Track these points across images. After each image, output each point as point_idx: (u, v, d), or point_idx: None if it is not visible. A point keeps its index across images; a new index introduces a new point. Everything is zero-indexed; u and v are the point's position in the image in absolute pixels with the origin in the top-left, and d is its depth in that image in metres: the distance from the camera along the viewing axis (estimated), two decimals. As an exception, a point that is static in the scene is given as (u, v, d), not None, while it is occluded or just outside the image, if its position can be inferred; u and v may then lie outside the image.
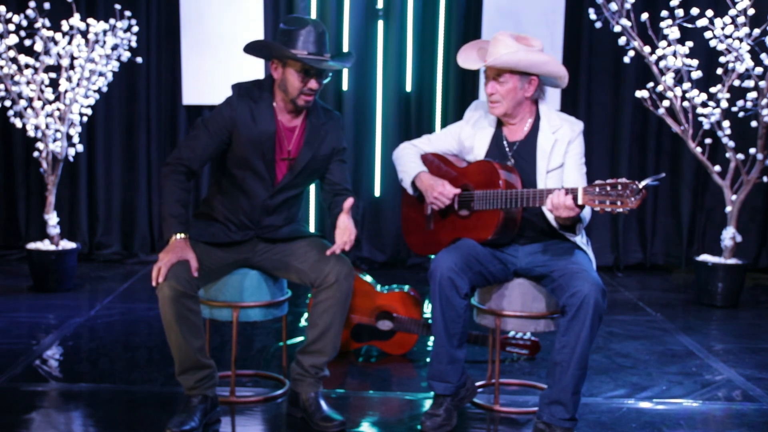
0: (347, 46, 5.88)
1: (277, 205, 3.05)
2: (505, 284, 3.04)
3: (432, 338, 3.22)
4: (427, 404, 3.18)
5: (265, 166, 2.98)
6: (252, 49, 2.98)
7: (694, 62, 4.82)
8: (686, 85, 4.85)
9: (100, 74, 5.16)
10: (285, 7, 5.89)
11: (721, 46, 4.82)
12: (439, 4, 5.92)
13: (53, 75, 5.02)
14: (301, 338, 4.07)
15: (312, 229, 5.67)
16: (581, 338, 2.72)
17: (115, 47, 5.16)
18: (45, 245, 5.13)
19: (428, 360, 3.17)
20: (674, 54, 4.84)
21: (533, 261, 2.98)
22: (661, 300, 5.20)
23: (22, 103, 4.96)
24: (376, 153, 6.03)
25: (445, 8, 5.92)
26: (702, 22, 4.76)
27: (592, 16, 5.08)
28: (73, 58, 5.04)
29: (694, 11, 4.71)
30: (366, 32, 5.94)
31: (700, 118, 4.94)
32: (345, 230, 2.90)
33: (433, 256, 2.95)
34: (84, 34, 5.03)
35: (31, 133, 5.04)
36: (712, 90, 4.87)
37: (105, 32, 5.08)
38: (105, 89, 5.29)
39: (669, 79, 4.88)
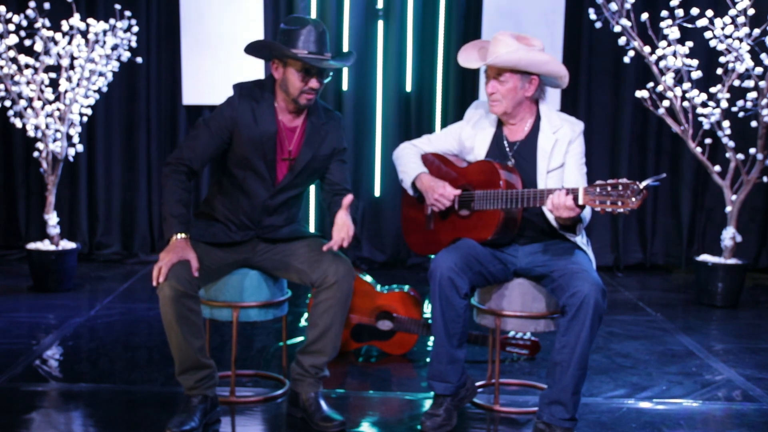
0: (347, 46, 5.88)
1: (278, 205, 3.05)
2: (505, 284, 3.04)
3: (432, 338, 3.22)
4: (427, 404, 3.18)
5: (265, 166, 2.98)
6: (253, 49, 2.98)
7: (694, 62, 4.83)
8: (686, 85, 4.85)
9: (100, 74, 5.16)
10: (285, 7, 5.89)
11: (721, 46, 4.82)
12: (439, 4, 5.92)
13: (53, 75, 5.02)
14: (301, 338, 4.07)
15: (312, 229, 5.67)
16: (581, 338, 2.72)
17: (115, 47, 5.16)
18: (45, 245, 5.13)
19: (428, 360, 3.17)
20: (674, 54, 4.84)
21: (533, 261, 2.98)
22: (661, 300, 5.20)
23: (22, 103, 4.97)
24: (376, 153, 6.03)
25: (445, 8, 5.92)
26: (702, 22, 4.76)
27: (592, 16, 5.09)
28: (73, 58, 5.04)
29: (694, 11, 4.71)
30: (366, 32, 5.94)
31: (700, 118, 4.94)
32: (343, 227, 2.89)
33: (433, 256, 2.95)
34: (84, 34, 5.03)
35: (31, 133, 5.04)
36: (712, 90, 4.87)
37: (105, 32, 5.08)
38: (105, 89, 5.30)
39: (669, 79, 4.89)
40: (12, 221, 6.11)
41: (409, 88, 6.00)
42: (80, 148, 5.26)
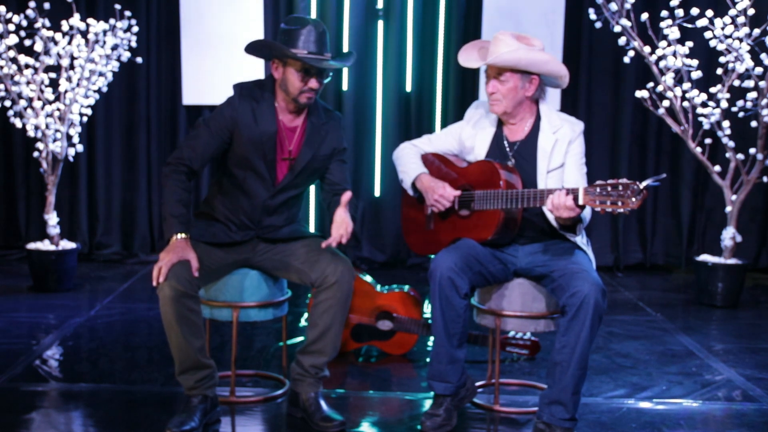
0: (347, 46, 5.88)
1: (278, 205, 3.05)
2: (505, 284, 3.04)
3: (432, 338, 3.22)
4: (427, 404, 3.18)
5: (265, 166, 2.98)
6: (253, 48, 2.98)
7: (694, 62, 4.83)
8: (686, 85, 4.85)
9: (100, 74, 5.16)
10: (285, 7, 5.89)
11: (721, 46, 4.82)
12: (439, 4, 5.92)
13: (53, 75, 5.02)
14: (301, 338, 4.07)
15: (312, 229, 5.67)
16: (581, 338, 2.72)
17: (115, 47, 5.16)
18: (45, 245, 5.13)
19: (428, 360, 3.17)
20: (674, 54, 4.84)
21: (533, 261, 2.98)
22: (661, 300, 5.20)
23: (22, 103, 4.97)
24: (376, 153, 6.03)
25: (445, 8, 5.92)
26: (702, 22, 4.76)
27: (592, 16, 5.09)
28: (73, 58, 5.04)
29: (694, 11, 4.71)
30: (366, 32, 5.94)
31: (700, 118, 4.94)
32: (341, 223, 2.88)
33: (433, 256, 2.95)
34: (84, 34, 5.03)
35: (31, 133, 5.04)
36: (712, 90, 4.87)
37: (105, 32, 5.08)
38: (105, 89, 5.30)
39: (669, 79, 4.89)
40: (12, 221, 6.11)
41: (409, 88, 6.00)
42: (80, 148, 5.26)
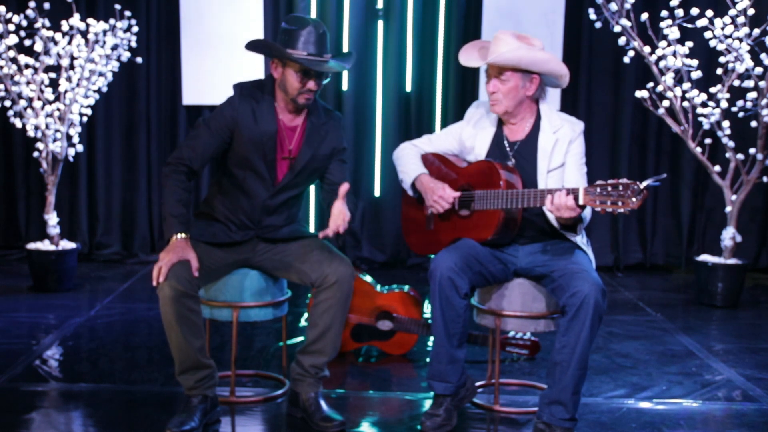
0: (347, 46, 5.88)
1: (278, 205, 3.05)
2: (505, 284, 3.04)
3: (432, 338, 3.22)
4: (427, 404, 3.18)
5: (265, 166, 2.98)
6: (253, 46, 2.99)
7: (694, 62, 4.83)
8: (686, 85, 4.85)
9: (100, 74, 5.16)
10: (285, 7, 5.89)
11: (721, 46, 4.82)
12: (439, 4, 5.92)
13: (53, 75, 5.02)
14: (301, 338, 4.07)
15: (312, 229, 5.67)
16: (581, 338, 2.72)
17: (115, 47, 5.16)
18: (45, 245, 5.13)
19: (428, 360, 3.17)
20: (674, 54, 4.84)
21: (533, 261, 2.98)
22: (661, 300, 5.20)
23: (22, 103, 4.97)
24: (376, 153, 6.03)
25: (445, 8, 5.92)
26: (702, 22, 4.76)
27: (592, 16, 5.09)
28: (73, 58, 5.04)
29: (694, 11, 4.71)
30: (366, 32, 5.94)
31: (700, 118, 4.94)
32: (339, 215, 2.86)
33: (433, 256, 2.95)
34: (84, 34, 5.03)
35: (31, 133, 5.04)
36: (712, 90, 4.87)
37: (105, 32, 5.08)
38: (105, 89, 5.30)
39: (669, 79, 4.89)
40: (12, 221, 6.11)
41: (409, 88, 6.00)
42: (80, 148, 5.26)
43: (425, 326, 3.72)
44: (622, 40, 5.00)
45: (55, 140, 5.06)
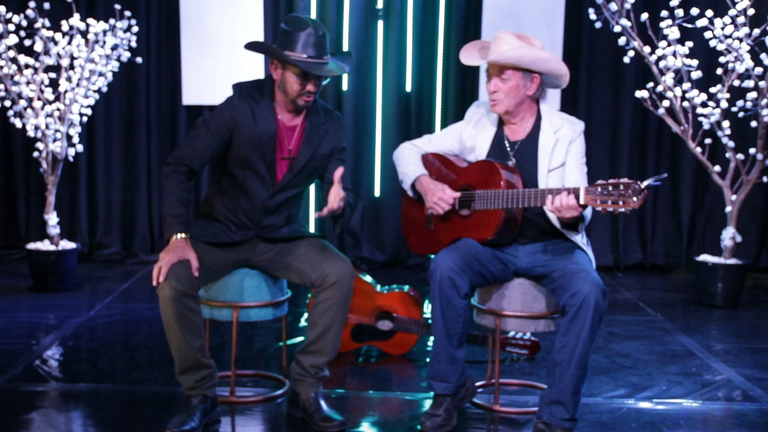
0: (347, 46, 5.88)
1: (277, 205, 3.05)
2: (505, 284, 3.04)
3: (432, 338, 3.22)
4: (427, 404, 3.18)
5: (265, 165, 2.98)
6: (253, 47, 2.99)
7: (694, 62, 4.82)
8: (686, 85, 4.85)
9: (100, 74, 5.16)
10: (285, 7, 5.89)
11: (721, 46, 4.82)
12: (439, 4, 5.92)
13: (53, 75, 5.02)
14: (301, 338, 4.07)
15: (312, 229, 5.67)
16: (581, 338, 2.72)
17: (115, 47, 5.16)
18: (45, 245, 5.13)
19: (428, 360, 3.17)
20: (674, 54, 4.84)
21: (533, 261, 2.98)
22: (661, 300, 5.19)
23: (22, 103, 4.96)
24: (376, 153, 6.03)
25: (445, 8, 5.92)
26: (702, 22, 4.76)
27: (592, 16, 5.09)
28: (73, 58, 5.04)
29: (694, 11, 4.71)
30: (366, 32, 5.94)
31: (700, 118, 4.94)
32: (336, 197, 2.86)
33: (433, 256, 2.95)
34: (84, 34, 5.03)
35: (31, 133, 5.04)
36: (712, 90, 4.87)
37: (105, 32, 5.08)
38: (105, 89, 5.30)
39: (669, 79, 4.89)
40: (12, 221, 6.11)
41: (409, 88, 6.00)
42: (80, 148, 5.26)
43: (425, 326, 3.72)
44: (622, 40, 5.00)
45: (55, 140, 5.06)
